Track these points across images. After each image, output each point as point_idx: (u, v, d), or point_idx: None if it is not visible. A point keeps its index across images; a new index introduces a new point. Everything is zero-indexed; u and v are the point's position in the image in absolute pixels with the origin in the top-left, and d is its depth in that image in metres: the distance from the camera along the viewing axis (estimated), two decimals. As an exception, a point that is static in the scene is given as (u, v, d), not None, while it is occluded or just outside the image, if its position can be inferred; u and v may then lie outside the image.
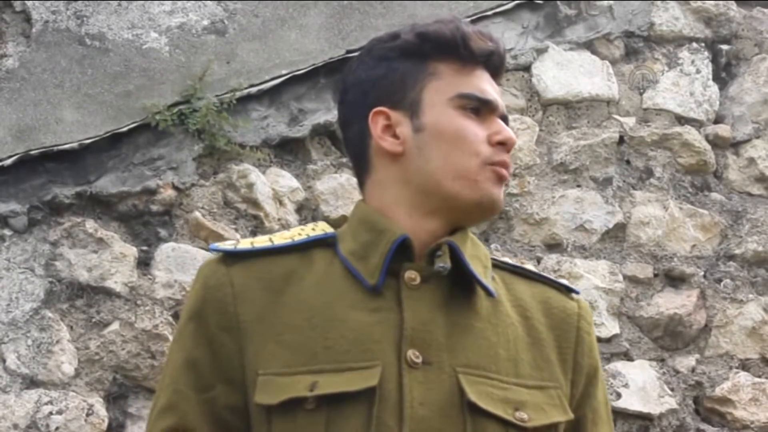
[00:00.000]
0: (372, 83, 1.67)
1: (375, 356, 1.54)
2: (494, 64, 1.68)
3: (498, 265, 1.70)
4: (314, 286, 1.60)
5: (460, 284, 1.61)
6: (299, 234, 1.67)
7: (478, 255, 1.65)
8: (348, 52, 3.51)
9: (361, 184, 1.70)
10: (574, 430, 1.65)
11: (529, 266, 1.82)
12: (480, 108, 1.64)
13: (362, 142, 1.67)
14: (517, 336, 1.63)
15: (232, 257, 1.64)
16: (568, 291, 1.72)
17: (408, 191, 1.63)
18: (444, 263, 1.58)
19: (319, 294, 1.60)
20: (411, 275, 1.59)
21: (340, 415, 1.52)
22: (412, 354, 1.54)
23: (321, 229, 1.68)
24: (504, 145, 1.63)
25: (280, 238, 1.66)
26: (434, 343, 1.56)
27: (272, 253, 1.64)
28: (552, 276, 1.78)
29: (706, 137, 3.96)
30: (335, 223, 2.52)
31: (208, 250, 3.35)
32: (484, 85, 1.66)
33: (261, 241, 1.66)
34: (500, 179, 1.63)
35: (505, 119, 1.67)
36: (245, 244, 1.65)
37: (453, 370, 1.56)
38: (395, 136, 1.64)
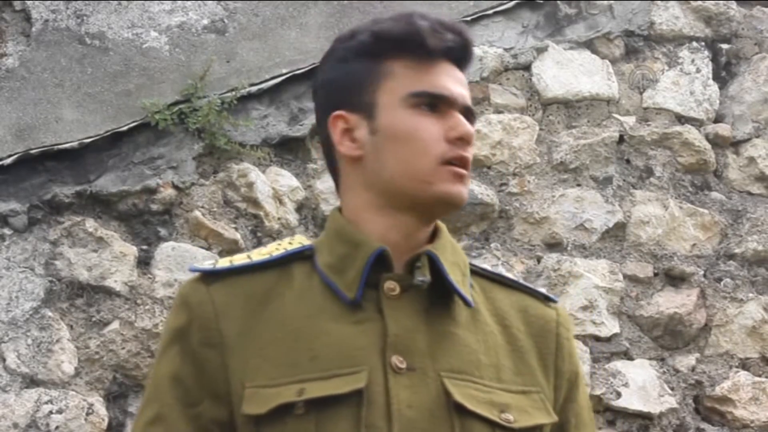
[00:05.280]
0: (332, 86, 1.64)
1: (360, 362, 1.54)
2: (456, 56, 1.61)
3: (477, 272, 1.68)
4: (295, 301, 1.60)
5: (439, 293, 1.60)
6: (276, 249, 1.65)
7: (457, 262, 1.63)
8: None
9: (337, 188, 1.68)
10: None
11: (508, 274, 1.80)
12: (436, 104, 1.59)
13: (329, 147, 1.65)
14: (497, 343, 1.62)
15: (211, 276, 1.63)
16: (546, 299, 1.71)
17: (372, 195, 1.61)
18: (423, 276, 1.57)
19: (301, 309, 1.59)
20: (390, 286, 1.58)
21: (329, 418, 1.52)
22: (396, 360, 1.54)
23: (298, 242, 1.66)
24: (462, 140, 1.59)
25: (258, 255, 1.65)
26: (417, 350, 1.56)
27: (251, 270, 1.62)
28: (530, 284, 1.76)
29: (706, 136, 3.95)
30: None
31: (208, 249, 3.36)
32: (440, 80, 1.59)
33: (239, 259, 1.65)
34: (458, 177, 1.58)
35: (469, 111, 1.62)
36: (224, 262, 1.64)
37: (437, 375, 1.55)
38: (353, 140, 1.61)
